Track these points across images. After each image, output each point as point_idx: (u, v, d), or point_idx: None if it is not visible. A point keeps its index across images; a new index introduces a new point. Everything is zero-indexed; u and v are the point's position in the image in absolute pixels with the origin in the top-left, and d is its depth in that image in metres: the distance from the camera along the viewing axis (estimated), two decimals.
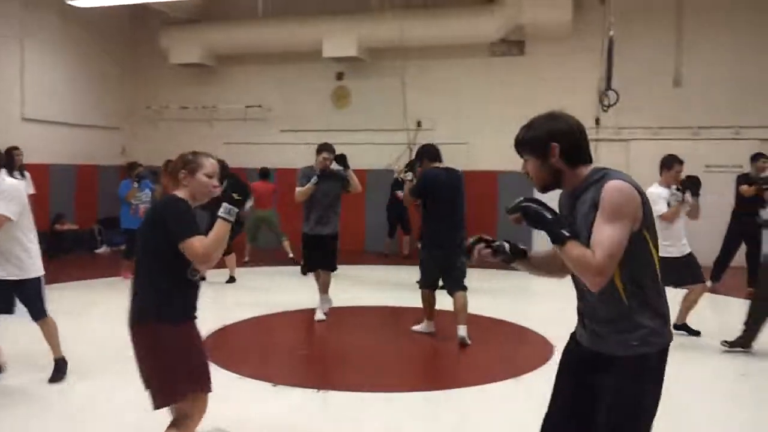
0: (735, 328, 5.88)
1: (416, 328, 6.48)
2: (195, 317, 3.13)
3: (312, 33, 12.51)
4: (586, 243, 2.23)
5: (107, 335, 5.18)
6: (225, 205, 3.01)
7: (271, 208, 10.99)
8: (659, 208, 5.78)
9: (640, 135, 11.67)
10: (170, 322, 2.99)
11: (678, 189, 6.07)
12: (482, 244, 2.45)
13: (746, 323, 5.79)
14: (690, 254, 6.16)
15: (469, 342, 6.02)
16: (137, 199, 9.11)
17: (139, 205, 9.02)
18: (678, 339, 6.04)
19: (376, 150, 12.43)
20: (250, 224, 10.93)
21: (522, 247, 2.52)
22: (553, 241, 2.28)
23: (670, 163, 6.19)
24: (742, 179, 8.54)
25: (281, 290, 8.88)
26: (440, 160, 6.41)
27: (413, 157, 7.23)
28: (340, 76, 13.46)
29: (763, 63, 11.22)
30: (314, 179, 6.66)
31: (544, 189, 2.45)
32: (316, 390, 4.83)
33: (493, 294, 8.21)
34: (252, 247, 11.04)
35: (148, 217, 3.17)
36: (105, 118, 13.77)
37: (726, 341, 5.85)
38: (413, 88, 12.06)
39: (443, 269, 6.22)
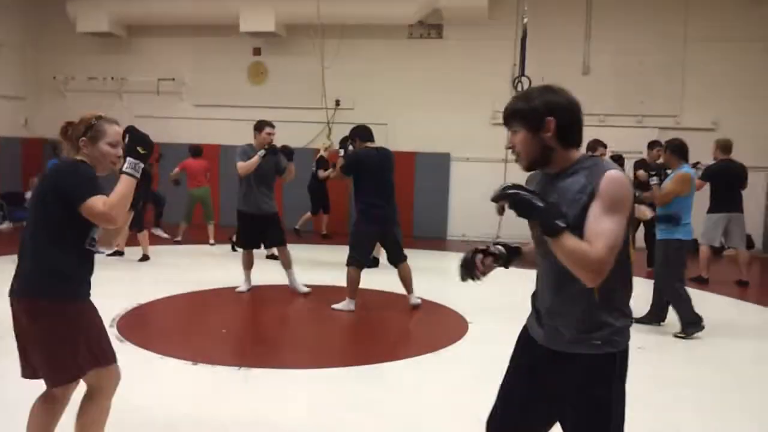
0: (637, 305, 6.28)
1: (337, 306, 6.57)
2: (89, 293, 2.93)
3: (229, 6, 12.21)
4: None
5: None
6: (129, 159, 2.80)
7: (206, 186, 10.71)
8: None
9: None
10: (65, 298, 2.81)
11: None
12: (481, 255, 2.27)
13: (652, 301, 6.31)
14: None
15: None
16: None
17: None
18: None
19: (293, 128, 12.31)
20: (186, 204, 10.62)
21: (515, 245, 2.38)
22: (545, 233, 2.05)
23: (594, 146, 6.79)
24: (639, 165, 9.09)
25: (201, 268, 8.75)
26: (372, 140, 6.64)
27: (330, 135, 7.20)
28: (257, 52, 13.24)
29: (665, 54, 11.86)
30: (261, 152, 6.66)
31: (531, 166, 2.24)
32: (237, 367, 4.84)
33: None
34: (187, 227, 10.73)
35: (41, 185, 2.88)
36: (6, 87, 13.02)
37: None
38: (332, 67, 12.04)
39: (383, 244, 6.62)
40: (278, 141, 7.09)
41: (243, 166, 6.69)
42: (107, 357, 2.94)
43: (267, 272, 7.75)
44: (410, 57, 12.59)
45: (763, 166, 11.01)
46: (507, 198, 2.08)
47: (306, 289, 7.14)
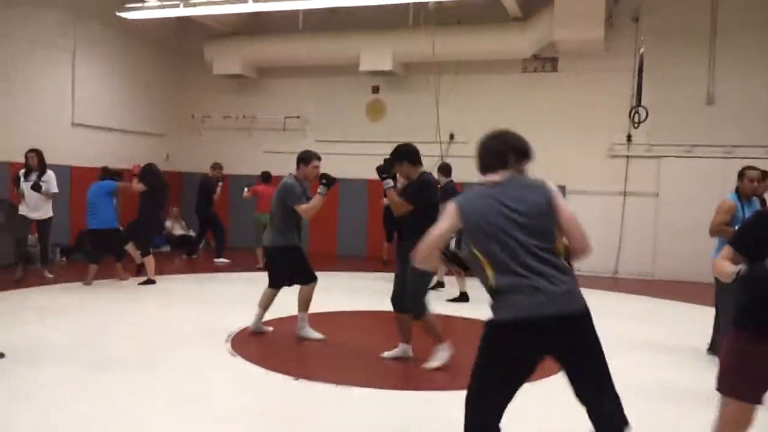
0: None
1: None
2: None
3: (349, 47, 12.93)
4: None
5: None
6: None
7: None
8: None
9: (672, 152, 11.71)
10: None
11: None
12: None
13: None
14: None
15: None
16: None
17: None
18: None
19: None
20: (255, 229, 11.11)
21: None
22: None
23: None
24: None
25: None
26: (422, 163, 5.86)
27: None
28: (375, 90, 13.82)
29: None
30: (323, 189, 6.27)
31: None
32: (335, 385, 5.07)
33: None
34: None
35: None
36: (152, 125, 14.35)
37: None
38: (446, 102, 12.31)
39: None
40: None
41: (310, 208, 6.31)
42: None
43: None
44: (525, 90, 12.65)
45: None
46: None
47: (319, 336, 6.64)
